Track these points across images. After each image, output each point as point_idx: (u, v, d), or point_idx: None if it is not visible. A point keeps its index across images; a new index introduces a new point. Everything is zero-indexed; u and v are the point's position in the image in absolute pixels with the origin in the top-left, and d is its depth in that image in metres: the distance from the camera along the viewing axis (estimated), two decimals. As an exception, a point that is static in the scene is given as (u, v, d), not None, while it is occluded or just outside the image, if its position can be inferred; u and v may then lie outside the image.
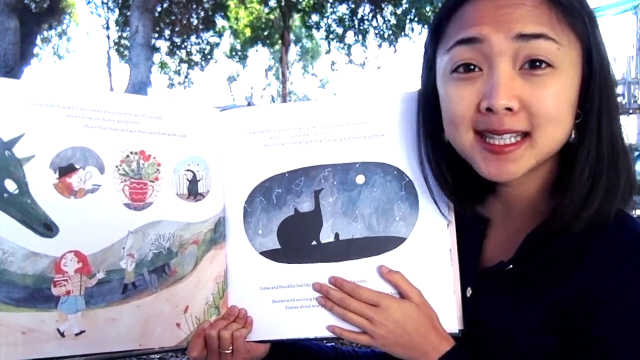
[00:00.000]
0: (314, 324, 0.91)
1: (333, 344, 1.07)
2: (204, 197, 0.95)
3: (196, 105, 0.98)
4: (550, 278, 0.78)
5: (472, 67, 0.76)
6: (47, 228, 0.83)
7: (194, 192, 0.94)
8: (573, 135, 0.79)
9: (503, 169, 0.77)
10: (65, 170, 0.85)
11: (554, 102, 0.73)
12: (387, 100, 0.94)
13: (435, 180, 0.88)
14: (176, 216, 0.92)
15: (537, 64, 0.73)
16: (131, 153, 0.90)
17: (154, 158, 0.91)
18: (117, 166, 0.88)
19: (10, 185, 0.81)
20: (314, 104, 0.99)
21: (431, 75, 0.85)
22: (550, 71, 0.73)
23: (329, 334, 0.91)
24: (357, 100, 0.96)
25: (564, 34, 0.73)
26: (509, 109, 0.73)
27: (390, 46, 16.54)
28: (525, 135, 0.76)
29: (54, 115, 0.85)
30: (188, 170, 0.94)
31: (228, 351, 0.90)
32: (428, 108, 0.87)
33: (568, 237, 0.77)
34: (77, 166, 0.85)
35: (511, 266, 0.82)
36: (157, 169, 0.92)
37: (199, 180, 0.95)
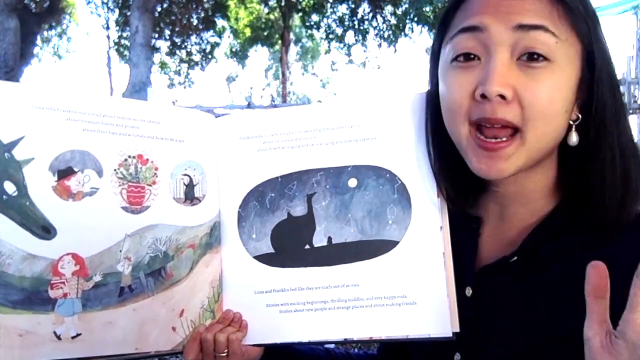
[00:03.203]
0: (307, 327, 0.93)
1: (325, 346, 1.08)
2: (200, 201, 0.96)
3: (193, 111, 0.99)
4: (566, 271, 0.78)
5: (471, 56, 0.78)
6: (45, 230, 0.84)
7: (190, 196, 0.95)
8: (575, 138, 0.79)
9: (493, 166, 0.78)
10: (64, 173, 0.86)
11: (547, 96, 0.75)
12: (380, 104, 0.95)
13: (433, 178, 0.89)
14: (173, 220, 0.93)
15: (535, 56, 0.74)
16: (129, 157, 0.91)
17: (152, 162, 0.93)
18: (115, 170, 0.90)
19: (10, 188, 0.82)
20: (306, 109, 1.00)
21: (437, 71, 0.86)
22: (547, 65, 0.74)
23: (322, 337, 0.92)
24: (350, 104, 0.97)
25: (563, 30, 0.75)
26: (503, 97, 0.75)
27: (390, 46, 16.56)
28: (515, 133, 0.77)
29: (54, 118, 0.86)
30: (185, 174, 0.95)
31: (224, 354, 0.91)
32: (435, 105, 0.88)
33: (580, 234, 0.79)
34: (75, 169, 0.86)
35: (515, 258, 0.83)
36: (155, 173, 0.93)
37: (196, 184, 0.96)
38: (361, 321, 0.91)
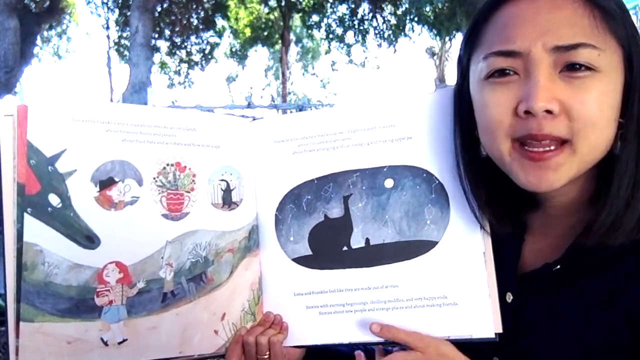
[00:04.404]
0: (347, 328, 0.93)
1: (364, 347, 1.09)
2: (237, 205, 0.97)
3: (228, 116, 1.00)
4: (612, 283, 0.77)
5: (507, 71, 0.74)
6: (89, 240, 0.85)
7: (228, 201, 0.96)
8: (619, 145, 0.75)
9: (543, 177, 0.74)
10: (106, 184, 0.87)
11: (596, 106, 0.71)
12: (414, 102, 0.94)
13: (472, 195, 0.86)
14: (212, 225, 0.94)
15: (577, 66, 0.70)
16: (167, 165, 0.92)
17: (189, 169, 0.94)
18: (154, 178, 0.91)
19: (54, 200, 0.83)
20: (340, 110, 1.00)
21: (465, 82, 0.83)
22: (592, 74, 0.70)
23: (362, 339, 0.93)
24: (383, 104, 0.96)
25: (604, 38, 0.72)
26: (549, 112, 0.71)
27: (390, 46, 16.52)
28: (565, 141, 0.73)
29: (94, 130, 0.87)
30: (222, 180, 0.96)
31: (265, 356, 0.93)
32: (463, 116, 0.85)
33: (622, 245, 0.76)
34: (116, 179, 0.88)
35: (558, 267, 0.81)
36: (193, 180, 0.94)
37: (233, 189, 0.97)
38: (401, 322, 0.91)
